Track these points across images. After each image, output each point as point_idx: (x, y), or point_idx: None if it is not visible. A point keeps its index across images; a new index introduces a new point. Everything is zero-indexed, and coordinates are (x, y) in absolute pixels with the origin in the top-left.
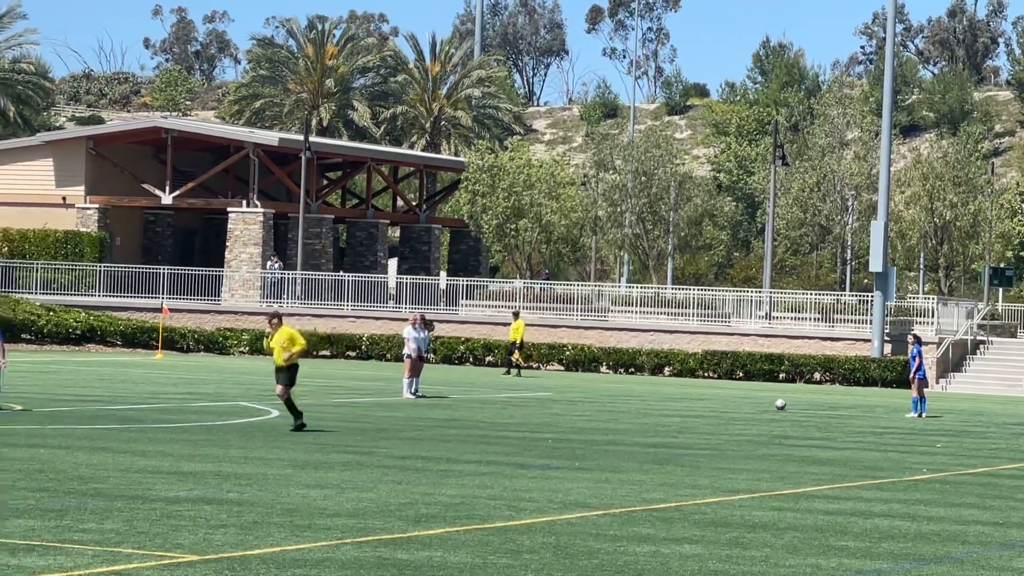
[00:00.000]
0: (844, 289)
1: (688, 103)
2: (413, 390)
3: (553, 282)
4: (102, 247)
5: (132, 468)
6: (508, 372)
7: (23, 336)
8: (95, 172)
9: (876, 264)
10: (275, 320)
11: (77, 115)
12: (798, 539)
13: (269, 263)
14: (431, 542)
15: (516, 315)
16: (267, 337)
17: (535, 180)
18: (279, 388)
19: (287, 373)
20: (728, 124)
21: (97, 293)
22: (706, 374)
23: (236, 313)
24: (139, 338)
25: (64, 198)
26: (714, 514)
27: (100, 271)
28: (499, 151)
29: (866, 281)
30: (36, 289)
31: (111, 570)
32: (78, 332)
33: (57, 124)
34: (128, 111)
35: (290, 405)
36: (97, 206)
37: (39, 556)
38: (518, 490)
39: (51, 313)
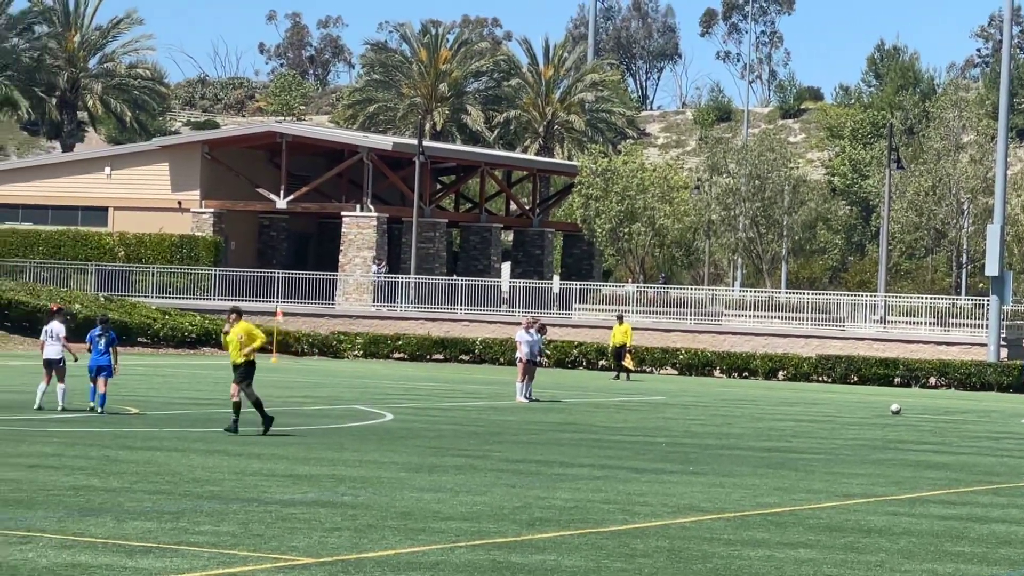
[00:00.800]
0: (960, 293)
1: (802, 107)
2: (526, 394)
3: (669, 286)
4: (217, 251)
5: (247, 471)
6: (617, 376)
7: (139, 339)
8: (210, 176)
9: (992, 268)
10: (234, 315)
11: (193, 120)
12: (913, 544)
13: (374, 267)
14: (545, 545)
15: (620, 319)
16: (224, 333)
17: (648, 184)
18: (233, 386)
19: (243, 370)
20: (842, 128)
21: (212, 297)
22: (820, 378)
23: (350, 317)
24: None
25: (180, 202)
26: (829, 519)
27: (215, 275)
28: (612, 155)
29: (982, 285)
30: (152, 293)
31: (227, 572)
32: (193, 336)
33: (173, 129)
34: (243, 116)
35: (256, 405)
36: (212, 210)
37: (156, 558)
38: (632, 494)
39: (167, 317)
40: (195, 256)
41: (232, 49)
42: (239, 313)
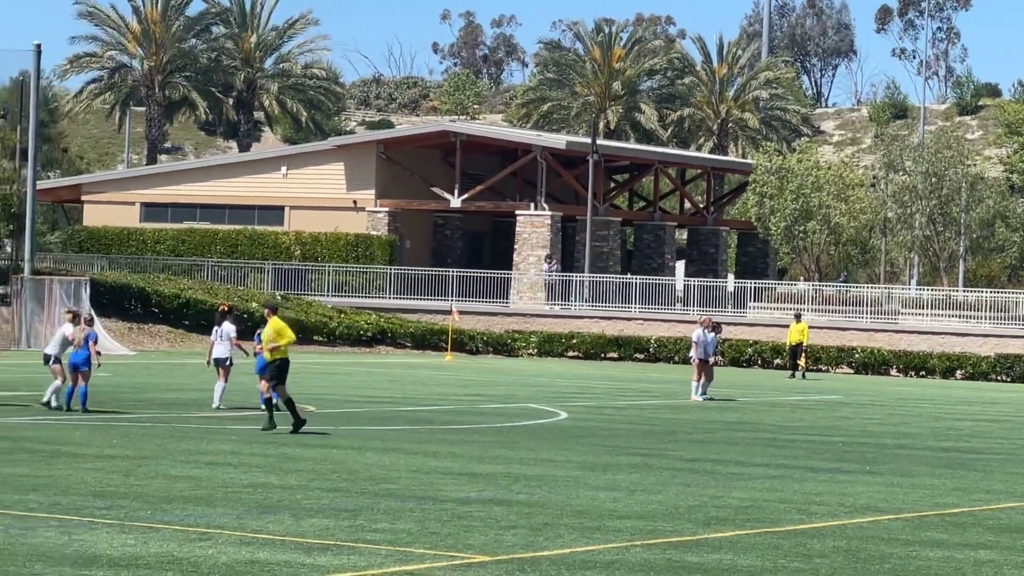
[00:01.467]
0: None
1: (979, 103)
2: (701, 393)
3: (848, 285)
4: (392, 250)
5: (423, 469)
6: (793, 375)
7: (315, 338)
8: (385, 176)
9: None
10: (268, 311)
11: (367, 120)
12: None
13: (545, 265)
14: (721, 545)
15: (798, 317)
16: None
17: (823, 182)
18: (262, 383)
19: (274, 368)
20: (1021, 124)
21: (387, 295)
22: (999, 378)
23: (524, 315)
24: (428, 340)
25: (355, 201)
26: (1009, 520)
27: (390, 274)
28: (787, 153)
29: None
30: (328, 292)
31: (404, 570)
32: (369, 334)
33: (348, 129)
34: (417, 115)
35: (288, 404)
36: (387, 209)
37: (333, 555)
38: (808, 493)
39: (342, 315)
40: (370, 255)
41: (407, 49)
42: (273, 309)
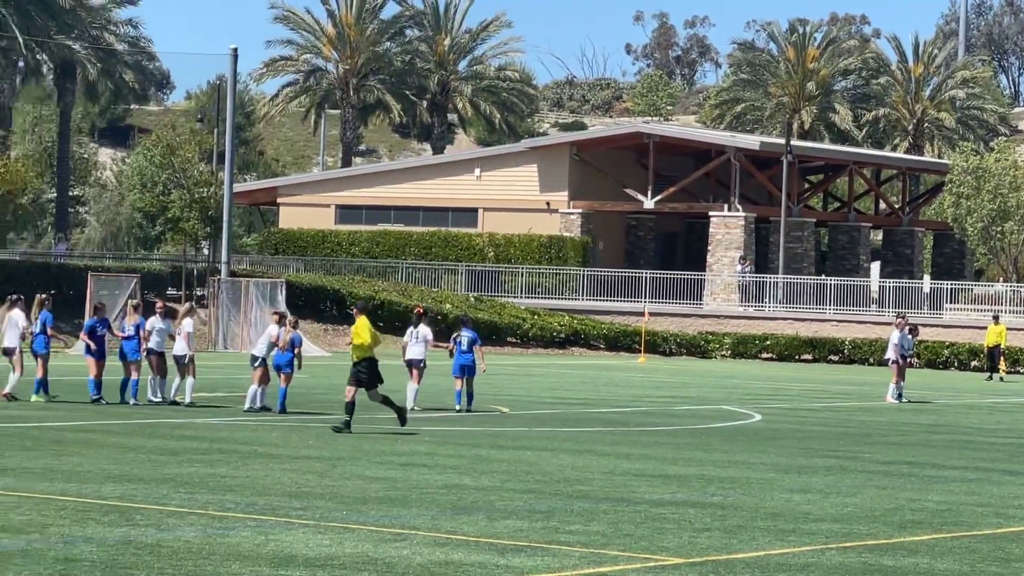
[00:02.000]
0: None
1: None
2: (897, 394)
3: None
4: (585, 251)
5: (616, 471)
6: (991, 377)
7: (508, 339)
8: (578, 177)
9: None
10: (356, 310)
11: (560, 121)
12: None
13: (739, 267)
14: (917, 548)
15: (996, 319)
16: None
17: (1022, 182)
18: (348, 388)
19: (358, 370)
20: None
21: (580, 297)
22: None
23: (717, 317)
24: (621, 341)
25: (548, 203)
26: None
27: (583, 275)
28: (984, 153)
29: None
30: (521, 293)
31: (597, 571)
32: (562, 336)
33: (541, 130)
34: (610, 116)
35: (386, 401)
36: (580, 211)
37: (527, 556)
38: (1006, 497)
39: (535, 317)
40: (563, 256)
41: (599, 50)
42: (360, 308)
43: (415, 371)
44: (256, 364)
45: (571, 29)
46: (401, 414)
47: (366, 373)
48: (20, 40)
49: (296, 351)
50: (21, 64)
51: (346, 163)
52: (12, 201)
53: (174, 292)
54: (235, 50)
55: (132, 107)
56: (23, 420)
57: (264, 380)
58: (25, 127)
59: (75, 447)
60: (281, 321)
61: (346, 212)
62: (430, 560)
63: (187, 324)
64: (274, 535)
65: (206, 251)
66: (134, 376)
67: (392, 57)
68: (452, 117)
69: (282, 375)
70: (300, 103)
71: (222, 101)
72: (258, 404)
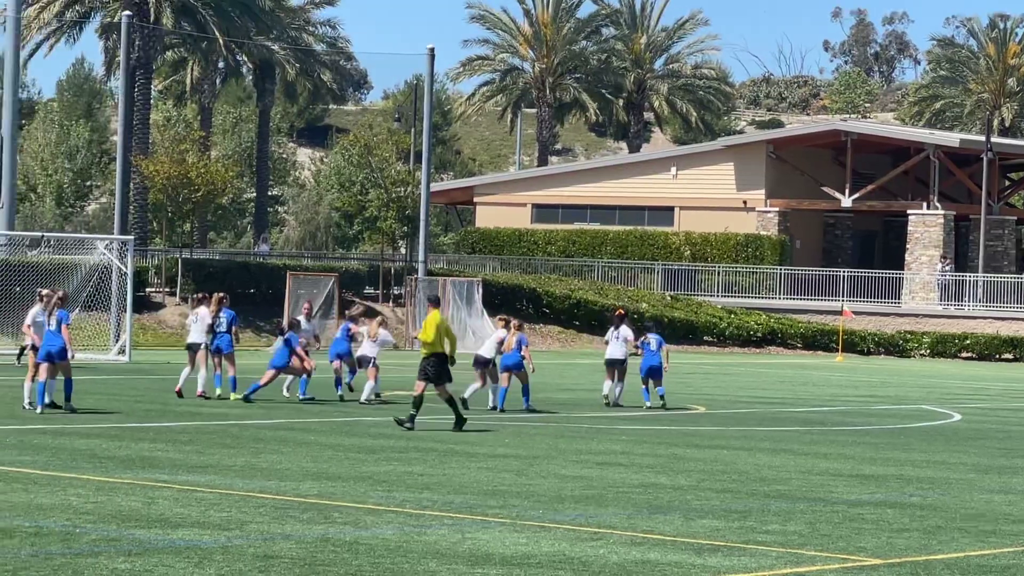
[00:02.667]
0: None
1: None
2: None
3: None
4: (782, 250)
5: (814, 471)
6: None
7: (705, 338)
8: (775, 176)
9: None
10: (429, 304)
11: (757, 119)
12: None
13: (939, 265)
14: None
15: None
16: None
17: None
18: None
19: (426, 364)
20: None
21: (777, 296)
22: None
23: (916, 316)
24: (819, 341)
25: (745, 202)
26: None
27: (780, 274)
28: None
29: None
30: (717, 292)
31: (794, 572)
32: (758, 335)
33: (737, 129)
34: (807, 114)
35: (450, 401)
36: (777, 209)
37: (724, 556)
38: None
39: (732, 316)
40: (760, 255)
41: (796, 47)
42: (433, 302)
43: (616, 371)
44: (485, 366)
45: (768, 26)
46: (459, 420)
47: (433, 369)
48: (220, 41)
49: (524, 352)
50: (221, 65)
51: (542, 162)
52: (212, 201)
53: (371, 291)
54: (432, 50)
55: (330, 107)
56: (223, 418)
57: (483, 381)
58: (225, 127)
59: (274, 445)
60: (507, 325)
61: (542, 211)
62: (626, 559)
63: (383, 333)
64: (470, 533)
65: (403, 250)
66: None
67: (588, 56)
68: (648, 116)
69: (515, 375)
70: (496, 102)
71: (419, 101)
72: (500, 404)
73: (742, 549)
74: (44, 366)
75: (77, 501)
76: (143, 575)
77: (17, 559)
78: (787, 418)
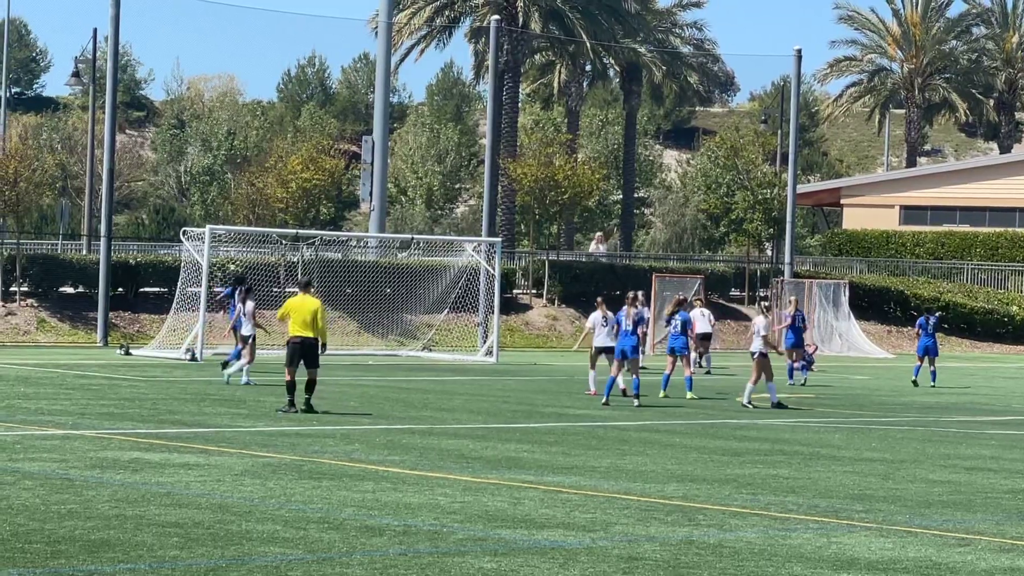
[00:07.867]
0: None
1: None
2: None
3: None
4: None
5: None
6: None
7: None
8: None
9: None
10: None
11: None
12: None
13: None
14: None
15: None
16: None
17: None
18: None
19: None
20: None
21: None
22: None
23: None
24: None
25: None
26: None
27: None
28: None
29: None
30: None
31: None
32: None
33: None
34: None
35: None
36: None
37: None
38: None
39: None
40: None
41: None
42: (304, 286)
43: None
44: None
45: None
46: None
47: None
48: (588, 45)
49: (641, 332)
50: (588, 68)
51: (910, 163)
52: (579, 203)
53: (736, 293)
54: (799, 51)
55: (696, 109)
56: (590, 419)
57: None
58: (592, 130)
59: (639, 447)
60: (767, 312)
61: (910, 213)
62: (994, 566)
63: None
64: (836, 537)
65: (769, 252)
66: (666, 371)
67: (958, 55)
68: (1020, 116)
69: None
70: (864, 103)
71: (786, 102)
72: (774, 399)
73: None
74: None
75: (445, 501)
76: (508, 575)
77: (386, 557)
78: None
